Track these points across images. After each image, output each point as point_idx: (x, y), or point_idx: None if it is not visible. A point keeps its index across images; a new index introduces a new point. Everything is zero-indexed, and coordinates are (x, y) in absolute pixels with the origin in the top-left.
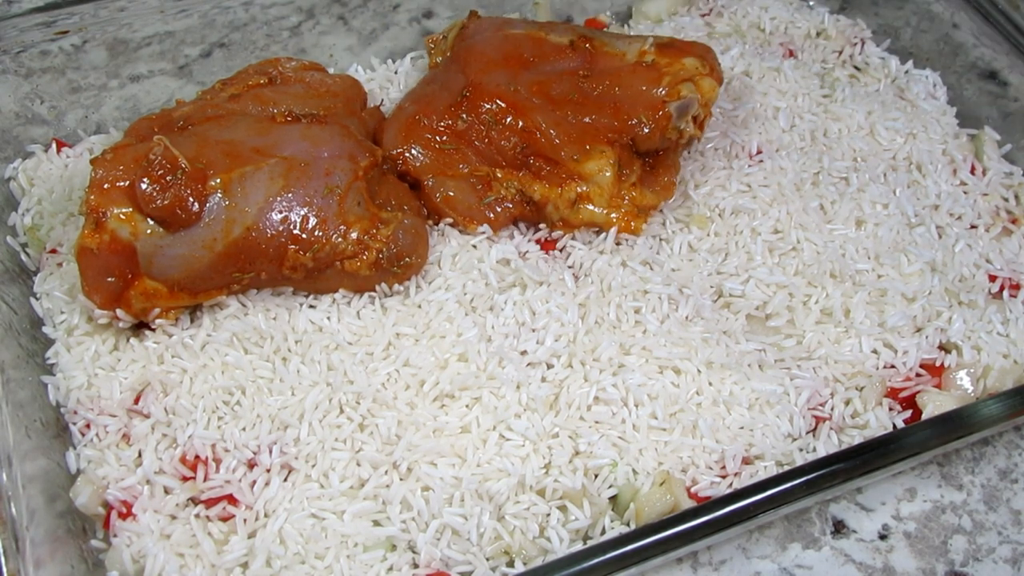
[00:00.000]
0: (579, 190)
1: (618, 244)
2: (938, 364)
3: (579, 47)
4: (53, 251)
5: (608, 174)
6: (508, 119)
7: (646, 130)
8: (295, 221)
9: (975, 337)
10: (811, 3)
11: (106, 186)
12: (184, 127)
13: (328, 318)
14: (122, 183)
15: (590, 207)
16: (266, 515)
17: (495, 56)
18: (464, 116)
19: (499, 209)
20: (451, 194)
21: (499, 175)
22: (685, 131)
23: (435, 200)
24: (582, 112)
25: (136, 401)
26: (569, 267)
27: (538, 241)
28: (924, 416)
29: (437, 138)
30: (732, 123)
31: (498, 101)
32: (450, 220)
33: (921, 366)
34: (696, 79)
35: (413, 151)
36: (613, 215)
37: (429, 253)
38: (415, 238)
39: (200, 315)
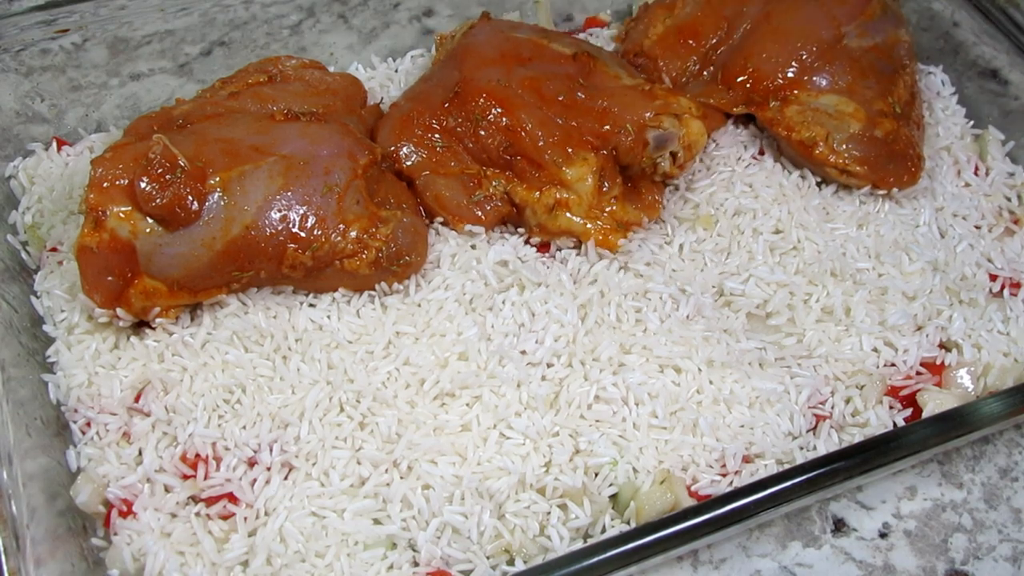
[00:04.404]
0: (558, 196)
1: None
2: (938, 362)
3: (581, 60)
4: (53, 249)
5: (589, 182)
6: (491, 115)
7: (629, 140)
8: (294, 220)
9: (975, 335)
10: None
11: (106, 185)
12: (183, 125)
13: (328, 317)
14: (122, 182)
15: (568, 215)
16: (266, 513)
17: (492, 54)
18: (454, 113)
19: (488, 207)
20: (440, 192)
21: (489, 173)
22: (660, 165)
23: (425, 198)
24: (569, 115)
25: (136, 399)
26: (568, 269)
27: (534, 244)
28: (924, 414)
29: (430, 136)
30: (734, 122)
31: (484, 96)
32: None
33: (921, 364)
34: (685, 118)
35: (405, 149)
36: (590, 226)
37: (428, 252)
38: (414, 237)
39: (200, 313)
